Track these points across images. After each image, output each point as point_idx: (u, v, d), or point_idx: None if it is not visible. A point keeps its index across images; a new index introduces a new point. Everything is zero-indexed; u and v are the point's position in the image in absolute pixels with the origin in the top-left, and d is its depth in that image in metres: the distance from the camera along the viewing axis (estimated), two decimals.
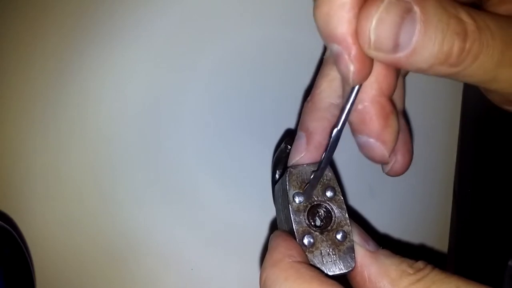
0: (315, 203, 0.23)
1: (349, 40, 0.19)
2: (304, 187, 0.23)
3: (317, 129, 0.25)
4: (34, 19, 0.33)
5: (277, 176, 0.29)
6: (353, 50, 0.19)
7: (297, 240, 0.22)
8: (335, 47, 0.20)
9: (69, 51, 0.33)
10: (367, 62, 0.20)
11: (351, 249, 0.22)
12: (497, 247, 0.38)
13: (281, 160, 0.28)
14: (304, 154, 0.25)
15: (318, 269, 0.21)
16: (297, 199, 0.23)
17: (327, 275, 0.21)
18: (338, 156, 0.35)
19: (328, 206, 0.23)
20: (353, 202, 0.35)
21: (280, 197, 0.25)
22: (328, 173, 0.23)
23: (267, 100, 0.35)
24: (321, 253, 0.22)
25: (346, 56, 0.19)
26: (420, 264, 0.20)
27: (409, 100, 0.37)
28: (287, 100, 0.35)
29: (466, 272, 0.36)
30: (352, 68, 0.20)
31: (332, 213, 0.23)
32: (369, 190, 0.35)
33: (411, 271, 0.20)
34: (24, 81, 0.33)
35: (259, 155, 0.35)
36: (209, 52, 0.34)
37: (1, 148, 0.33)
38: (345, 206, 0.23)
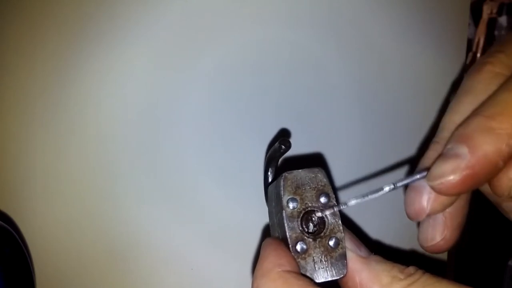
0: (309, 209, 0.23)
1: (488, 157, 0.19)
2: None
3: None
4: (34, 19, 0.33)
5: (269, 174, 0.29)
6: (483, 168, 0.19)
7: (290, 246, 0.22)
8: (461, 150, 0.19)
9: (69, 51, 0.33)
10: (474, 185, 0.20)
11: (343, 256, 0.22)
12: (497, 247, 0.37)
13: (274, 159, 0.28)
14: None
15: (308, 277, 0.21)
16: (291, 205, 0.23)
17: (316, 283, 0.21)
18: (333, 163, 0.35)
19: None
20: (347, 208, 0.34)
21: (273, 201, 0.25)
22: (323, 179, 0.23)
23: (267, 100, 0.35)
24: (313, 259, 0.22)
25: (465, 163, 0.19)
26: (411, 269, 0.20)
27: (408, 100, 0.37)
28: (287, 101, 0.35)
29: (466, 272, 0.36)
30: (460, 175, 0.19)
31: (326, 219, 0.23)
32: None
33: (402, 276, 0.20)
34: (24, 81, 0.33)
35: (259, 155, 0.35)
36: (208, 53, 0.34)
37: (1, 148, 0.33)
38: (338, 213, 0.23)
